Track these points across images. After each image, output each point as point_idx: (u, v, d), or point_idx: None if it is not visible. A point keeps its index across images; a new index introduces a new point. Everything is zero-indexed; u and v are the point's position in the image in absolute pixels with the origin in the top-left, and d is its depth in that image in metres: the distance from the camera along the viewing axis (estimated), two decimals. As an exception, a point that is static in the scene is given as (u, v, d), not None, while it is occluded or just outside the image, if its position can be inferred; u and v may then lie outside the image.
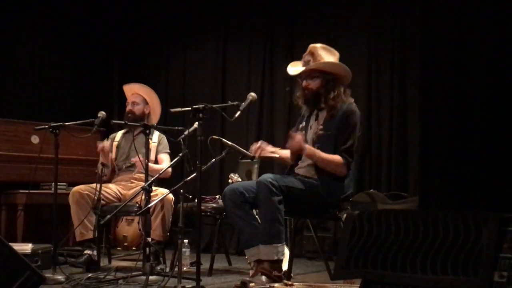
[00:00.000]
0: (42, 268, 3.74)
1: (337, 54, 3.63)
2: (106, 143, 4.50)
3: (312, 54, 3.55)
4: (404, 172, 5.05)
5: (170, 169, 4.19)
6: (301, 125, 3.70)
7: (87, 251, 4.19)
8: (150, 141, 4.17)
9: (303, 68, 3.56)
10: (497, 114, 4.61)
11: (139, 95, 4.66)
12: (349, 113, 3.49)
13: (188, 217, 4.16)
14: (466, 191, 4.66)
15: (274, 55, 5.90)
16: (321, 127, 3.53)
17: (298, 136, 3.45)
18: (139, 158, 4.08)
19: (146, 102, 4.65)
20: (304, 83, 3.57)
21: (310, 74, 3.55)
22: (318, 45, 3.60)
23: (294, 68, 3.65)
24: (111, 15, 6.83)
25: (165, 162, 4.54)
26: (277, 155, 3.68)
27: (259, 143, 3.60)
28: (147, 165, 3.76)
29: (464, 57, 4.85)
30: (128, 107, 4.63)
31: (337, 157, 3.43)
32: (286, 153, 3.72)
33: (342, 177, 3.47)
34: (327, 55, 3.57)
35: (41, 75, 6.24)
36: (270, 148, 3.65)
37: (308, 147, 3.45)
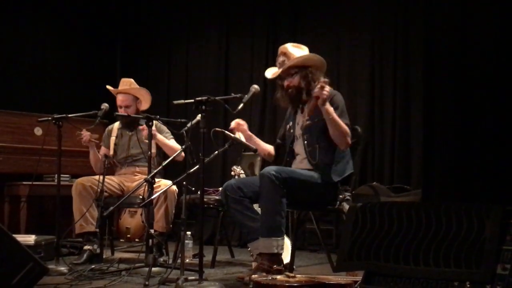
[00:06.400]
0: (45, 260, 3.74)
1: (306, 48, 3.68)
2: (90, 136, 4.29)
3: (285, 54, 3.61)
4: (407, 165, 5.05)
5: (183, 152, 4.16)
6: (288, 125, 3.74)
7: (88, 247, 4.14)
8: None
9: (280, 69, 3.60)
10: (501, 106, 4.59)
11: (127, 95, 4.52)
12: (331, 96, 3.46)
13: (191, 209, 4.17)
14: (469, 183, 4.65)
15: (277, 47, 5.80)
16: (307, 117, 3.56)
17: (324, 91, 3.29)
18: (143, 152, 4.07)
19: (136, 98, 4.54)
20: (286, 82, 3.61)
21: (288, 72, 3.59)
22: (287, 44, 3.67)
23: (271, 71, 3.70)
24: (114, 8, 6.83)
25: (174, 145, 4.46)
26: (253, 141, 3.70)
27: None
28: (150, 158, 3.76)
29: (468, 48, 4.82)
30: (122, 111, 4.48)
31: (346, 126, 3.42)
32: (263, 144, 3.80)
33: (336, 161, 3.48)
34: (298, 51, 3.62)
35: (44, 67, 6.24)
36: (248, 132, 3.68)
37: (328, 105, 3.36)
